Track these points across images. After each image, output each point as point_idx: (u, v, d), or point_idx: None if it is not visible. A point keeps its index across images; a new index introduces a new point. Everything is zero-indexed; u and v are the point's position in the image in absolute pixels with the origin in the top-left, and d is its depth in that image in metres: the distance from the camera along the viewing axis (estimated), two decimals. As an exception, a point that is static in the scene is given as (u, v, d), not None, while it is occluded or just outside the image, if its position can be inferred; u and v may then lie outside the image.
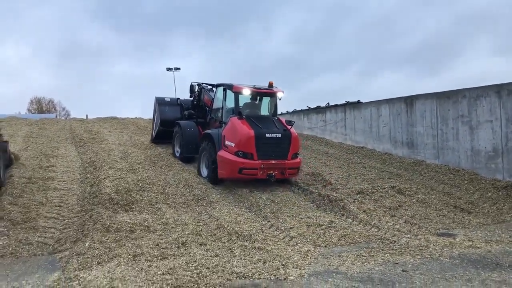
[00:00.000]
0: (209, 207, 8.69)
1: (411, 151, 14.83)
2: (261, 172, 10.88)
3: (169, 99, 16.55)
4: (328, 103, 21.24)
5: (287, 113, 25.28)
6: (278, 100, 12.44)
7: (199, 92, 14.97)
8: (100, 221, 6.97)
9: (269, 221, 8.01)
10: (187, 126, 13.99)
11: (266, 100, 12.64)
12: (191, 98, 15.53)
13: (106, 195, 8.45)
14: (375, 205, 9.30)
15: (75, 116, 39.29)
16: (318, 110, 21.86)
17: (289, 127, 11.74)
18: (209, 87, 14.46)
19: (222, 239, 6.78)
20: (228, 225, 7.28)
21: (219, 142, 11.64)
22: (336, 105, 20.33)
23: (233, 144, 11.14)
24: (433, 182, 11.70)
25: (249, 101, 12.29)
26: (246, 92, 11.74)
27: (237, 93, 11.83)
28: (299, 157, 11.85)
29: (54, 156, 13.41)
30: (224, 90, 12.38)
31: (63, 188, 9.70)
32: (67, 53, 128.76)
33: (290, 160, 11.36)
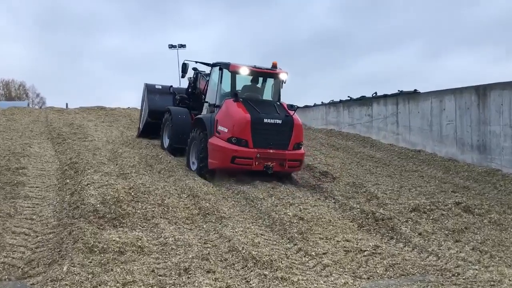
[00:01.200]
0: (220, 224, 8.76)
1: (483, 157, 14.66)
2: (256, 163, 11.94)
3: (160, 87, 17.52)
4: (375, 93, 21.17)
5: (322, 104, 25.27)
6: (282, 84, 13.46)
7: (195, 78, 15.88)
8: (82, 239, 7.08)
9: (296, 244, 8.03)
10: (178, 113, 15.04)
11: (268, 83, 13.71)
12: (187, 86, 16.20)
13: (89, 206, 8.57)
14: (434, 227, 9.23)
15: (52, 104, 39.90)
16: (363, 101, 21.78)
17: (291, 112, 12.67)
18: (208, 72, 14.98)
19: (235, 265, 6.83)
20: (243, 247, 7.32)
21: (211, 128, 12.53)
22: (386, 96, 20.24)
23: (226, 130, 12.10)
24: (511, 198, 11.55)
25: (250, 83, 13.41)
26: (244, 72, 12.79)
27: (234, 73, 12.91)
28: (302, 148, 12.81)
29: (25, 155, 13.67)
30: (220, 69, 13.19)
31: (36, 197, 9.87)
32: (44, 24, 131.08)
33: (291, 150, 12.34)
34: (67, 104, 48.59)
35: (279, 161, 12.22)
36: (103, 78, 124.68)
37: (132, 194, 9.56)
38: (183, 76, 15.36)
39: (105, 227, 7.96)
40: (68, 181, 10.95)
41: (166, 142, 15.62)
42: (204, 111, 14.08)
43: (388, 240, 8.64)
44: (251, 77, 13.42)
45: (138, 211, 8.81)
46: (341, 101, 23.67)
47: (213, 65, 14.10)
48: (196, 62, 15.22)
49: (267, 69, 13.29)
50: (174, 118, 15.03)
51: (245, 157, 11.94)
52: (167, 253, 7.12)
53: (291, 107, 12.97)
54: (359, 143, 19.89)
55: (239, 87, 13.32)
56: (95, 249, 6.82)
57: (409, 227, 9.11)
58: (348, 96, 23.21)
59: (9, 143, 15.79)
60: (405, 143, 18.35)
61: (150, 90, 17.78)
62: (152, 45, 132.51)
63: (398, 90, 19.53)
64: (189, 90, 16.20)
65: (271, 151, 12.16)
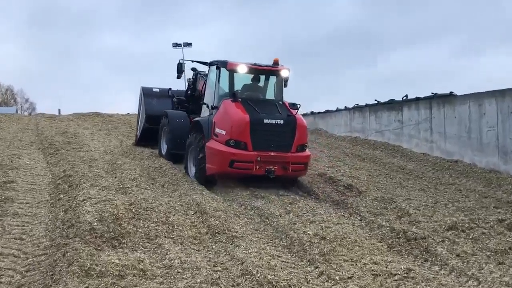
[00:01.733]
0: (231, 244, 8.74)
1: (530, 168, 14.54)
2: (257, 167, 12.42)
3: (158, 90, 18.34)
4: (406, 96, 21.12)
5: (346, 109, 25.26)
6: (285, 81, 13.98)
7: (194, 79, 16.39)
8: (78, 262, 7.10)
9: (317, 267, 7.99)
10: (175, 116, 15.67)
11: (270, 82, 14.24)
12: (186, 88, 16.76)
13: (86, 224, 8.60)
14: (474, 247, 9.15)
15: (43, 111, 40.28)
16: (392, 105, 21.75)
17: (294, 112, 13.17)
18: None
19: (249, 291, 6.82)
20: (257, 271, 7.30)
21: (209, 131, 13.10)
22: (417, 99, 20.18)
23: (223, 132, 12.64)
24: (562, 215, 11.42)
25: (250, 82, 14.04)
26: (242, 70, 13.37)
27: (232, 72, 13.52)
28: (307, 150, 13.34)
29: (13, 167, 13.79)
30: (218, 68, 13.75)
31: (26, 214, 9.93)
32: (35, 21, 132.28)
33: (294, 153, 12.83)
34: (59, 110, 48.82)
35: (282, 165, 12.65)
36: (99, 81, 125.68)
37: (133, 210, 9.58)
38: (178, 77, 15.97)
39: (103, 248, 7.98)
40: (61, 196, 11.01)
41: (164, 148, 16.10)
42: (203, 114, 14.47)
43: (422, 262, 8.57)
44: (251, 76, 13.97)
45: (140, 230, 8.82)
46: (367, 105, 23.62)
47: (210, 64, 14.58)
48: (193, 61, 15.82)
49: (267, 66, 13.72)
50: (171, 122, 15.53)
51: (245, 160, 12.37)
52: (172, 277, 7.12)
53: (293, 105, 13.36)
54: (388, 153, 19.80)
55: (238, 86, 13.80)
56: (92, 273, 6.83)
57: (445, 247, 9.03)
58: (375, 100, 23.20)
59: (-4, 154, 15.93)
60: (440, 152, 18.23)
61: (147, 93, 18.32)
62: (153, 44, 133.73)
63: (432, 93, 19.46)
64: (189, 92, 16.57)
65: (273, 154, 12.57)
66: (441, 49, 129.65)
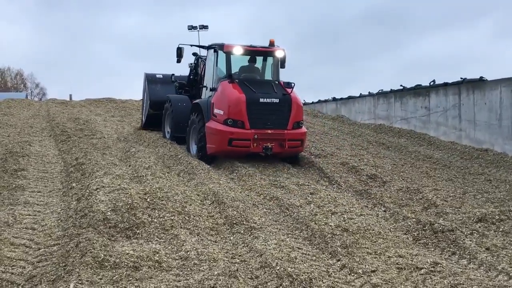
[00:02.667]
0: (249, 235, 8.78)
1: None
2: (255, 144, 13.74)
3: (161, 76, 19.79)
4: (433, 81, 20.98)
5: (369, 95, 25.15)
6: (281, 62, 15.23)
7: (196, 64, 17.65)
8: (91, 252, 7.17)
9: (339, 260, 8.00)
10: (178, 100, 17.02)
11: (266, 63, 15.60)
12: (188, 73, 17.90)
13: (99, 213, 8.68)
14: (504, 240, 9.09)
15: (55, 96, 40.71)
16: (418, 91, 21.62)
17: (289, 90, 14.39)
18: None
19: (268, 284, 6.84)
20: (277, 263, 7.33)
21: (208, 112, 14.39)
22: (446, 84, 20.04)
23: (222, 112, 13.88)
24: None
25: (247, 64, 15.23)
26: (238, 51, 14.67)
27: (228, 53, 14.76)
28: (303, 127, 14.64)
29: (24, 155, 13.92)
30: (215, 51, 15.20)
31: (37, 203, 10.04)
32: (46, 1, 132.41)
33: (290, 130, 14.07)
34: (71, 96, 49.34)
35: (279, 142, 13.91)
36: (113, 65, 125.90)
37: (148, 200, 9.63)
38: (178, 61, 16.87)
39: (117, 238, 8.05)
40: (74, 185, 11.11)
41: (167, 131, 17.52)
42: (203, 96, 15.72)
43: (449, 256, 8.54)
44: (248, 57, 15.19)
45: (155, 220, 8.87)
46: (392, 91, 23.50)
47: (208, 48, 15.90)
48: (192, 45, 16.99)
49: (262, 47, 15.04)
50: (174, 106, 16.80)
51: (242, 138, 13.68)
52: (188, 269, 7.16)
53: (288, 84, 14.62)
54: (413, 141, 19.72)
55: (236, 68, 15.04)
56: (106, 264, 6.89)
57: (474, 240, 8.98)
58: (401, 85, 23.05)
59: (5, 141, 16.11)
60: (469, 141, 18.12)
61: (150, 80, 19.69)
62: (172, 26, 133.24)
63: (461, 78, 19.30)
64: (191, 77, 17.69)
65: (269, 131, 13.84)
66: (475, 32, 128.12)
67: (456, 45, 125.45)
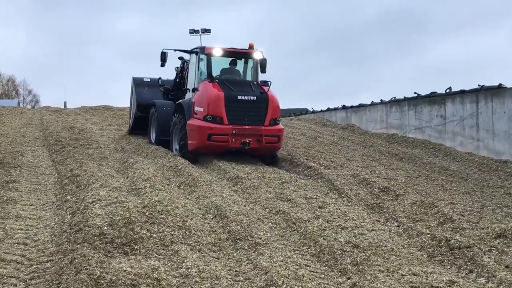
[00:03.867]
0: (254, 251, 8.77)
1: None
2: (233, 139, 15.41)
3: (148, 79, 21.32)
4: (449, 88, 20.99)
5: (381, 103, 25.16)
6: (261, 64, 16.99)
7: (182, 68, 19.27)
8: (86, 269, 7.17)
9: (349, 278, 7.99)
10: (162, 105, 18.69)
11: (247, 65, 17.60)
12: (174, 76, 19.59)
13: (95, 228, 8.69)
14: (525, 257, 9.08)
15: (48, 104, 40.77)
16: (433, 99, 21.63)
17: (266, 89, 16.26)
18: None
19: (274, 303, 6.84)
20: (283, 281, 7.33)
21: (189, 111, 16.21)
22: (463, 92, 20.03)
23: (201, 109, 15.68)
24: None
25: (228, 66, 17.16)
26: (217, 53, 16.56)
27: (209, 55, 16.61)
28: (280, 124, 16.51)
29: (16, 166, 13.96)
30: (197, 54, 17.10)
31: (29, 216, 10.05)
32: (40, 2, 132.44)
33: (267, 126, 15.85)
34: (65, 103, 49.44)
35: (256, 137, 15.61)
36: (110, 71, 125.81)
37: (147, 214, 9.66)
38: (162, 65, 18.43)
39: (114, 255, 8.06)
40: (68, 197, 11.12)
41: (153, 135, 19.01)
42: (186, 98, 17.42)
43: (466, 274, 8.51)
44: (229, 60, 17.13)
45: (154, 235, 8.89)
46: (405, 98, 23.50)
47: (191, 52, 17.75)
48: (175, 50, 18.59)
49: (241, 49, 17.00)
50: (159, 111, 18.44)
51: (221, 133, 15.40)
52: (189, 287, 7.17)
53: (265, 83, 16.56)
54: (428, 152, 19.70)
55: (217, 70, 16.93)
56: (102, 282, 6.89)
57: (493, 257, 8.95)
58: (415, 92, 23.06)
59: (-3, 151, 16.12)
60: (488, 152, 18.09)
61: (138, 83, 21.24)
62: (175, 28, 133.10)
63: (479, 85, 19.29)
64: (177, 80, 19.37)
65: (247, 127, 15.60)
66: (494, 35, 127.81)
67: (475, 50, 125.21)
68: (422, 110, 22.00)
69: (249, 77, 17.40)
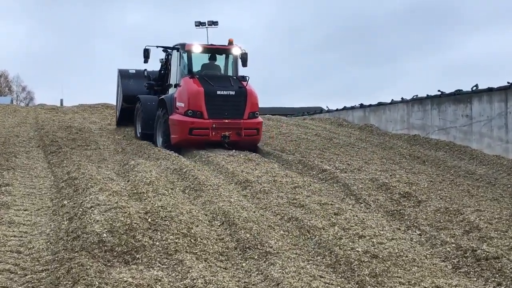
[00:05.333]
0: (264, 261, 8.77)
1: None
2: (213, 133, 17.33)
3: (134, 71, 23.35)
4: (476, 86, 20.90)
5: (402, 101, 25.10)
6: (241, 59, 19.07)
7: (166, 60, 20.90)
8: (84, 279, 7.19)
9: (367, 291, 7.98)
10: (147, 100, 20.60)
11: (226, 60, 19.47)
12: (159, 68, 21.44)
13: (93, 235, 8.71)
14: (558, 269, 9.04)
15: (44, 101, 40.84)
16: (458, 97, 21.56)
17: (244, 83, 18.16)
18: None
19: (286, 317, 6.84)
20: (296, 294, 7.32)
21: (171, 106, 18.07)
22: (490, 90, 19.97)
23: (183, 104, 17.50)
24: None
25: (208, 61, 19.06)
26: (197, 49, 18.48)
27: (189, 52, 18.51)
28: (259, 117, 18.50)
29: (9, 168, 14.02)
30: (178, 50, 19.05)
31: (23, 222, 10.09)
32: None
33: (246, 119, 17.77)
34: (62, 101, 49.60)
35: (236, 130, 17.56)
36: (110, 66, 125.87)
37: (149, 220, 9.68)
38: (145, 62, 20.23)
39: (114, 264, 8.07)
40: (65, 202, 11.16)
41: (138, 129, 20.87)
42: (170, 93, 19.30)
43: (494, 286, 8.48)
44: (208, 55, 19.05)
45: (157, 243, 8.90)
46: (428, 96, 23.44)
47: (172, 48, 19.67)
48: (157, 46, 20.35)
49: (219, 45, 18.92)
50: (143, 106, 20.35)
51: (202, 127, 17.25)
52: (195, 300, 7.17)
53: (243, 78, 18.47)
54: (453, 154, 19.66)
55: (198, 66, 18.83)
56: (101, 293, 6.91)
57: (523, 269, 8.93)
58: (438, 90, 22.96)
59: (-11, 152, 16.19)
60: (518, 155, 18.05)
61: (123, 75, 23.31)
62: (185, 22, 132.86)
63: (508, 82, 19.21)
64: (161, 71, 21.18)
65: (226, 121, 17.50)
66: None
67: (504, 45, 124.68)
68: (447, 109, 21.94)
69: (229, 72, 19.36)
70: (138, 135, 20.71)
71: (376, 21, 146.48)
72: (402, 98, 25.51)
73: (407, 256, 9.21)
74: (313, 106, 46.98)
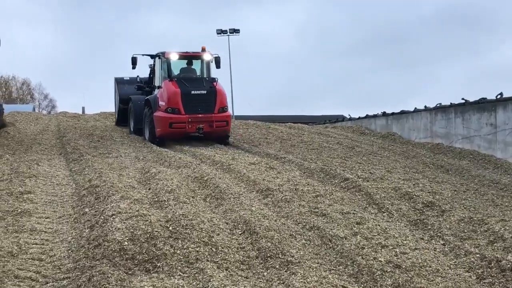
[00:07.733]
0: (286, 270, 8.76)
1: None
2: (189, 126, 21.31)
3: (128, 78, 27.62)
4: (501, 94, 20.76)
5: (426, 109, 25.01)
6: (211, 63, 23.20)
7: (154, 65, 24.29)
8: (105, 287, 7.23)
9: (390, 301, 7.95)
10: (137, 99, 24.64)
11: (200, 64, 23.56)
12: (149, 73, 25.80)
13: (115, 243, 8.75)
14: None
15: (66, 109, 41.19)
16: (483, 105, 21.44)
17: (215, 84, 22.10)
18: None
19: (308, 328, 6.82)
20: (318, 304, 7.31)
21: (155, 105, 21.92)
22: (516, 98, 19.80)
23: (163, 103, 21.36)
24: None
25: (185, 66, 23.15)
26: (174, 57, 22.56)
27: (168, 59, 22.49)
28: (228, 111, 22.67)
29: (31, 175, 14.10)
30: (159, 58, 23.09)
31: (45, 230, 10.15)
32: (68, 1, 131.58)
33: (217, 113, 21.71)
34: (83, 108, 49.99)
35: (208, 123, 21.49)
36: (134, 73, 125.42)
37: (170, 228, 9.69)
38: (133, 68, 24.42)
39: (135, 272, 8.10)
40: (87, 210, 11.21)
41: (132, 125, 24.74)
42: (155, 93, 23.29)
43: (520, 298, 8.43)
44: (185, 61, 23.15)
45: (178, 252, 8.92)
46: (452, 105, 23.31)
47: (155, 56, 23.78)
48: (143, 55, 24.65)
49: (193, 52, 22.93)
50: (134, 105, 24.44)
51: (180, 121, 21.14)
52: (216, 309, 7.17)
53: (213, 79, 22.37)
54: (477, 164, 19.52)
55: (177, 70, 22.97)
56: (122, 301, 6.93)
57: (549, 280, 8.85)
58: (462, 98, 22.85)
59: (11, 159, 16.35)
60: (543, 164, 17.90)
61: (119, 82, 27.66)
62: (211, 28, 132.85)
63: (533, 90, 19.11)
64: (150, 75, 25.07)
65: (200, 115, 21.39)
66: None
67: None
68: (471, 117, 21.81)
69: (204, 74, 23.32)
70: (132, 130, 24.75)
71: (409, 25, 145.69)
72: (425, 106, 25.40)
73: (430, 267, 9.15)
74: (335, 114, 46.84)
